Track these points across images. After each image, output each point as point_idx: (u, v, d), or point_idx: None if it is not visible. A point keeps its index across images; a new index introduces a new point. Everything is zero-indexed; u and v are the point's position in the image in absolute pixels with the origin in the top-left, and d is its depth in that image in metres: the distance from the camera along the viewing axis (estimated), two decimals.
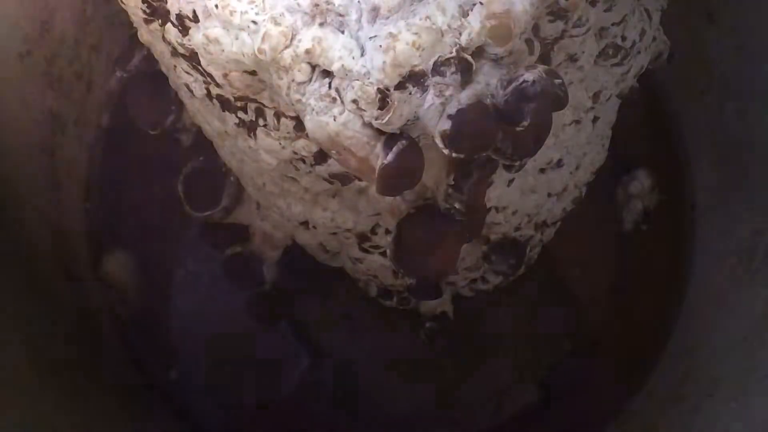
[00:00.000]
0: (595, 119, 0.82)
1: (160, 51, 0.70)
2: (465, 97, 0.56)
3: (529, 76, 0.57)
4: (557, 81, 0.58)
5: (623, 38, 0.72)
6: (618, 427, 1.03)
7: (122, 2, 0.67)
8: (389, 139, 0.58)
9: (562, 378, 1.07)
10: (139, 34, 0.71)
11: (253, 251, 0.97)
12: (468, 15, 0.56)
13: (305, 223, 0.83)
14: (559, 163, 0.82)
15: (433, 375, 1.06)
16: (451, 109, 0.56)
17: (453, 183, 0.64)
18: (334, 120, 0.57)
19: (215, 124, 0.74)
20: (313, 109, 0.58)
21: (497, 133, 0.58)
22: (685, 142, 1.10)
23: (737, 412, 0.86)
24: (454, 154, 0.57)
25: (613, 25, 0.70)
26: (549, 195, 0.86)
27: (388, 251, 0.71)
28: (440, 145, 0.56)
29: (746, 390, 0.88)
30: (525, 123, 0.58)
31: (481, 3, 0.56)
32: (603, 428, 1.03)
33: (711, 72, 0.98)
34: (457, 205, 0.65)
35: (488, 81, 0.58)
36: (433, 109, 0.57)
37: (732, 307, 0.97)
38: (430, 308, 1.01)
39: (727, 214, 1.02)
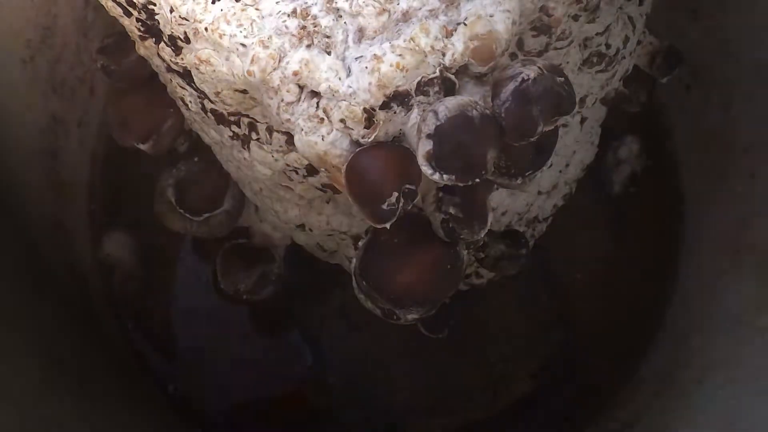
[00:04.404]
0: (582, 120, 0.84)
1: (157, 65, 0.71)
2: (443, 110, 0.55)
3: (528, 72, 0.56)
4: (560, 79, 0.57)
5: (607, 46, 0.73)
6: (610, 414, 1.04)
7: (118, 18, 0.68)
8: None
9: (555, 368, 1.09)
10: (136, 47, 0.73)
11: (256, 243, 0.98)
12: (452, 36, 0.57)
13: (302, 226, 0.84)
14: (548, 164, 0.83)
15: (430, 367, 1.08)
16: (429, 127, 0.55)
17: (444, 186, 0.63)
18: (323, 140, 0.59)
19: (212, 133, 0.76)
20: (302, 129, 0.59)
21: (486, 148, 0.56)
22: (672, 136, 1.11)
23: (726, 398, 0.88)
24: (445, 177, 0.55)
25: (597, 35, 0.71)
26: (539, 193, 0.87)
27: (354, 260, 0.66)
28: (427, 171, 0.55)
29: (735, 377, 0.89)
30: (539, 130, 0.56)
31: (464, 24, 0.57)
32: (594, 417, 1.05)
33: (696, 67, 0.99)
34: (452, 211, 0.64)
35: (471, 95, 0.59)
36: (417, 126, 0.58)
37: (721, 296, 0.98)
38: None
39: (714, 204, 1.03)
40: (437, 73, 0.57)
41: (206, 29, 0.60)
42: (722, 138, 1.00)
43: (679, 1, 0.99)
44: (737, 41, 0.95)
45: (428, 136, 0.55)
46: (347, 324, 1.07)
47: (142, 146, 0.84)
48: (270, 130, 0.69)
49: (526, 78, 0.56)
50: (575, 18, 0.66)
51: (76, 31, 0.97)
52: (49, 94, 0.97)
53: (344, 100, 0.57)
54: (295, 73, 0.58)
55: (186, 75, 0.67)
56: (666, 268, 1.09)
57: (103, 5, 0.67)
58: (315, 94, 0.59)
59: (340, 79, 0.57)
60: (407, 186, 0.57)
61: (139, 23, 0.66)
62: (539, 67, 0.56)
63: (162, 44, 0.65)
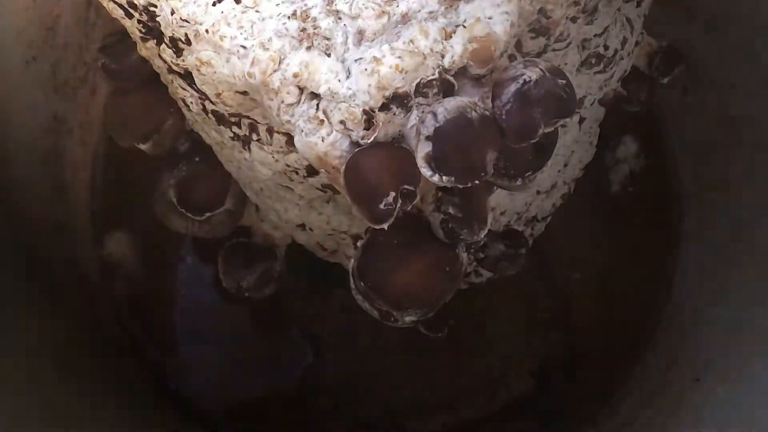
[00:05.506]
0: (581, 120, 0.84)
1: (158, 66, 0.72)
2: (442, 111, 0.56)
3: (530, 74, 0.56)
4: (561, 81, 0.57)
5: (605, 47, 0.73)
6: (607, 413, 1.05)
7: (120, 20, 0.69)
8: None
9: (554, 366, 1.09)
10: (138, 48, 0.73)
11: (257, 242, 0.98)
12: (450, 38, 0.58)
13: (302, 225, 0.85)
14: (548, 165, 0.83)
15: (430, 366, 1.09)
16: (428, 129, 0.55)
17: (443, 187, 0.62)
18: (322, 141, 0.59)
19: (213, 134, 0.76)
20: (302, 130, 0.60)
21: (486, 150, 0.56)
22: (670, 136, 1.11)
23: (723, 398, 0.88)
24: (444, 178, 0.55)
25: (595, 36, 0.71)
26: (538, 193, 0.88)
27: (352, 260, 0.65)
28: (426, 173, 0.55)
29: (732, 376, 0.89)
30: (540, 132, 0.56)
31: (463, 26, 0.58)
32: (593, 415, 1.06)
33: (694, 68, 0.99)
34: (452, 210, 0.64)
35: (470, 96, 0.59)
36: (416, 128, 0.58)
37: (719, 296, 0.98)
38: None
39: (712, 204, 1.04)
40: (436, 75, 0.58)
41: (207, 31, 0.60)
42: (720, 138, 1.01)
43: (677, 2, 0.99)
44: (735, 41, 0.95)
45: (427, 137, 0.56)
46: (348, 323, 1.08)
47: (142, 146, 0.84)
48: (270, 131, 0.69)
49: (527, 80, 0.56)
50: (573, 20, 0.67)
51: (78, 31, 0.97)
52: (51, 94, 0.98)
53: (344, 102, 0.58)
54: (295, 75, 0.58)
55: (187, 76, 0.67)
56: (664, 267, 1.10)
57: (104, 6, 0.68)
58: (315, 95, 0.59)
59: (339, 80, 0.58)
60: (406, 187, 0.57)
61: (141, 25, 0.66)
62: (541, 69, 0.57)
63: (163, 46, 0.66)
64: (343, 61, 0.58)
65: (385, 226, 0.57)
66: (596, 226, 1.12)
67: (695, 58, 0.98)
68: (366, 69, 0.57)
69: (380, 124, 0.58)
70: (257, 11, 0.59)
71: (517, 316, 1.10)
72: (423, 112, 0.58)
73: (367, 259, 0.64)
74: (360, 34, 0.58)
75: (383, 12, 0.58)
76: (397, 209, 0.57)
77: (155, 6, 0.63)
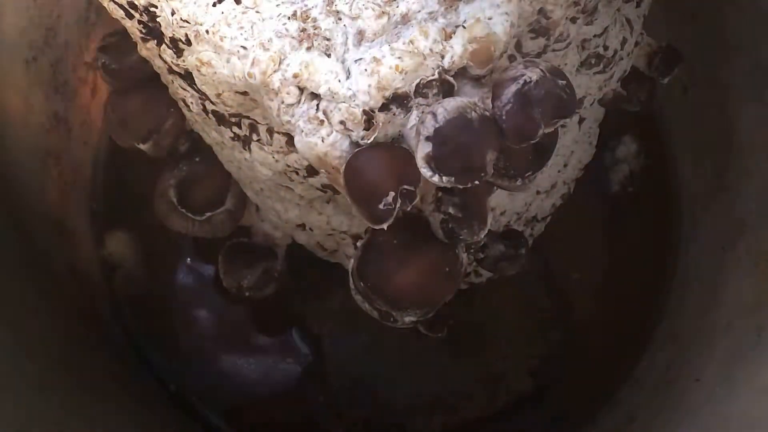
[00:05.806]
0: (581, 120, 0.84)
1: (159, 66, 0.72)
2: (442, 111, 0.55)
3: (530, 74, 0.56)
4: (562, 82, 0.57)
5: (605, 48, 0.73)
6: (607, 413, 1.05)
7: (120, 20, 0.69)
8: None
9: (554, 366, 1.09)
10: (138, 48, 0.73)
11: (257, 242, 0.98)
12: (450, 38, 0.58)
13: (302, 225, 0.85)
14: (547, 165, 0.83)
15: (430, 365, 1.09)
16: (428, 129, 0.55)
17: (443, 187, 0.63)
18: (322, 141, 0.59)
19: (213, 134, 0.76)
20: (302, 131, 0.60)
21: (486, 150, 0.56)
22: (670, 136, 1.11)
23: (723, 397, 0.88)
24: (444, 179, 0.55)
25: (594, 36, 0.71)
26: (538, 193, 0.88)
27: (352, 260, 0.65)
28: (426, 173, 0.56)
29: (731, 376, 0.89)
30: (540, 132, 0.55)
31: (463, 27, 0.58)
32: (593, 415, 1.06)
33: (693, 69, 0.99)
34: (452, 210, 0.64)
35: (470, 97, 0.59)
36: (416, 128, 0.59)
37: (718, 295, 0.98)
38: None
39: (712, 204, 1.04)
40: (436, 76, 0.58)
41: (207, 32, 0.60)
42: (720, 138, 1.01)
43: (677, 2, 0.99)
44: (735, 42, 0.95)
45: (427, 138, 0.56)
46: (348, 322, 1.08)
47: (142, 146, 0.84)
48: (270, 131, 0.69)
49: (528, 80, 0.56)
50: (573, 20, 0.67)
51: (78, 31, 0.98)
52: (52, 94, 0.98)
53: (344, 102, 0.58)
54: (296, 76, 0.58)
55: (187, 77, 0.67)
56: (664, 268, 1.10)
57: (105, 7, 0.68)
58: (315, 96, 0.59)
59: (339, 81, 0.58)
60: (405, 187, 0.57)
61: (141, 25, 0.66)
62: (541, 70, 0.56)
63: (163, 46, 0.66)
64: (343, 62, 0.58)
65: (385, 226, 0.57)
66: (596, 226, 1.13)
67: (695, 58, 0.98)
68: (366, 69, 0.57)
69: (380, 124, 0.58)
70: (257, 12, 0.59)
71: (517, 316, 1.10)
72: (423, 112, 0.58)
73: (367, 259, 0.64)
74: (360, 35, 0.58)
75: (383, 12, 0.58)
76: (396, 209, 0.57)
77: (156, 6, 0.63)
